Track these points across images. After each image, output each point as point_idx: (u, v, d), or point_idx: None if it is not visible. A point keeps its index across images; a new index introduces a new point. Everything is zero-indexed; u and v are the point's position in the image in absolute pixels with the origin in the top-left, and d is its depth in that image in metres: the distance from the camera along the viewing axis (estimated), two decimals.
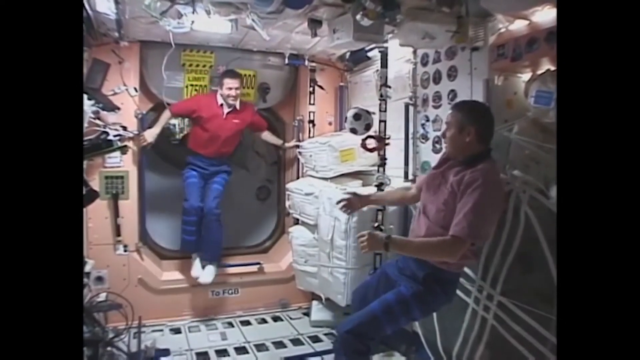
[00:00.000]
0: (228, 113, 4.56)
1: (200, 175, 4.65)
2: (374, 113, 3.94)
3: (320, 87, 4.95)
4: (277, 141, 5.12)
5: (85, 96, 3.60)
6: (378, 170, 3.93)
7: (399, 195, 3.24)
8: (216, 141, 4.60)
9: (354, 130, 3.90)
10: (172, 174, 5.18)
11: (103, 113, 4.02)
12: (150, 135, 4.40)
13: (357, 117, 3.86)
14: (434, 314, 3.26)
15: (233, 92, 4.47)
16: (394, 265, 2.86)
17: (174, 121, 4.44)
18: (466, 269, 3.03)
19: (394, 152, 3.91)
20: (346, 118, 3.96)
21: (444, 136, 2.74)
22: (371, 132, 3.88)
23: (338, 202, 3.16)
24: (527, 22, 2.84)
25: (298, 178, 5.04)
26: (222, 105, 4.55)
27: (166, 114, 4.52)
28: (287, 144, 5.12)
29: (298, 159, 5.02)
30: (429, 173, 2.86)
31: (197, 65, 4.65)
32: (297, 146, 5.00)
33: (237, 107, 4.59)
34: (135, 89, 4.32)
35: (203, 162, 4.64)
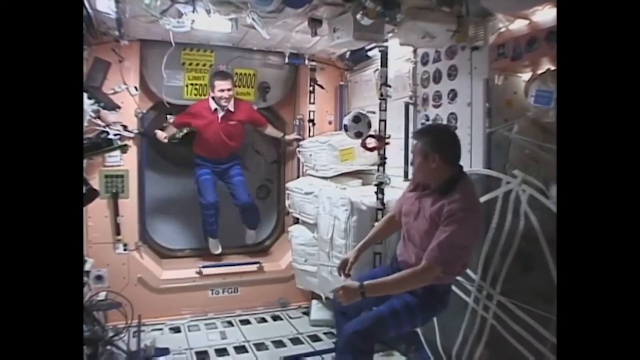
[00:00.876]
0: (223, 117, 4.60)
1: (212, 172, 4.78)
2: (373, 112, 3.94)
3: (320, 86, 4.95)
4: (277, 134, 5.13)
5: (85, 95, 3.61)
6: (378, 170, 3.93)
7: (385, 227, 3.04)
8: (218, 145, 4.68)
9: (359, 134, 3.83)
10: (172, 173, 5.19)
11: (103, 112, 4.02)
12: (162, 136, 4.59)
13: (356, 119, 3.83)
14: None
15: (225, 94, 4.49)
16: (388, 271, 2.80)
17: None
18: (466, 269, 3.04)
19: (394, 151, 3.91)
20: (346, 126, 3.86)
21: (412, 164, 2.71)
22: (371, 132, 3.88)
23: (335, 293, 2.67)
24: (527, 21, 2.84)
25: (298, 177, 5.04)
26: (215, 110, 4.57)
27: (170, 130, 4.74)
28: (287, 137, 5.12)
29: (298, 158, 5.01)
30: (405, 196, 2.82)
31: (197, 64, 4.65)
32: (298, 139, 5.04)
33: (231, 108, 4.60)
34: (135, 87, 4.32)
35: (212, 162, 4.77)
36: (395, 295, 2.63)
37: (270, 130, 5.07)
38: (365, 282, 2.47)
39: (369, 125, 3.86)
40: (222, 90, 4.47)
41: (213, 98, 4.54)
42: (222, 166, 4.80)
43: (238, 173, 4.89)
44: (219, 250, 4.99)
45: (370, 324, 2.60)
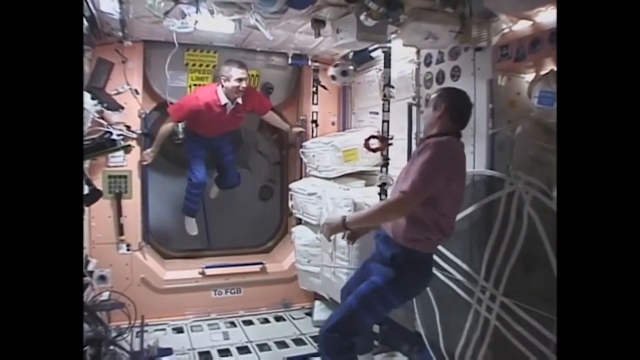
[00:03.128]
0: (234, 108, 4.46)
1: (203, 145, 4.70)
2: (376, 113, 3.94)
3: (324, 87, 4.95)
4: (284, 126, 5.07)
5: (89, 95, 3.62)
6: (381, 170, 3.93)
7: None
8: (218, 129, 4.64)
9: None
10: (175, 174, 5.20)
11: (107, 112, 4.03)
12: (149, 156, 4.45)
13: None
14: (437, 315, 3.26)
15: (244, 84, 4.31)
16: (373, 257, 2.89)
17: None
18: (468, 269, 3.04)
19: (397, 152, 3.91)
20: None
21: (423, 113, 2.94)
22: (374, 133, 3.88)
23: (342, 237, 2.96)
24: (530, 22, 2.83)
25: (301, 178, 5.04)
26: (225, 105, 4.38)
27: (163, 129, 4.44)
28: (294, 129, 5.04)
29: (301, 159, 5.01)
30: None
31: (201, 65, 4.65)
32: (303, 132, 5.02)
33: (240, 101, 4.45)
34: (136, 90, 4.32)
35: (206, 138, 4.68)
36: (365, 281, 2.70)
37: (275, 120, 4.98)
38: (347, 216, 2.61)
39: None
40: (240, 80, 4.28)
41: (223, 88, 4.34)
42: (215, 143, 4.74)
43: (229, 152, 4.88)
44: (195, 232, 4.91)
45: (341, 317, 2.65)
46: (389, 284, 2.63)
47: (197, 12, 3.06)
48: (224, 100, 4.38)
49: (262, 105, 4.75)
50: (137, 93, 4.33)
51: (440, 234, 2.65)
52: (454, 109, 2.68)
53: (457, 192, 2.63)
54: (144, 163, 4.45)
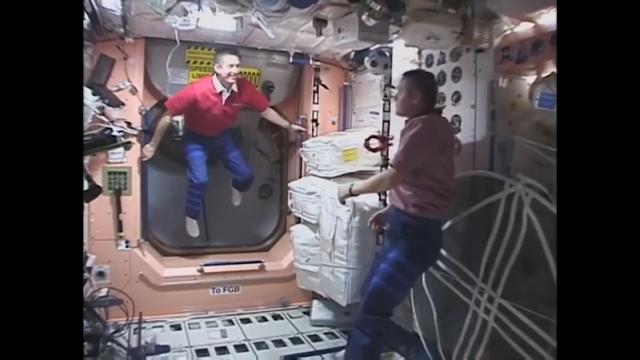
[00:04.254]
0: (227, 98, 4.45)
1: (204, 148, 4.63)
2: (377, 113, 3.94)
3: (325, 86, 4.95)
4: (283, 122, 5.00)
5: (90, 91, 3.62)
6: (381, 170, 3.93)
7: None
8: (216, 124, 4.60)
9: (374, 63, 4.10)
10: (174, 171, 5.20)
11: (107, 109, 4.03)
12: (148, 151, 4.44)
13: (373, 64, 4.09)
14: (434, 316, 3.26)
15: (235, 70, 4.30)
16: (384, 248, 3.19)
17: (176, 118, 4.41)
18: (466, 271, 3.04)
19: None
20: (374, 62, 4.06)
21: (395, 98, 3.18)
22: (374, 132, 3.88)
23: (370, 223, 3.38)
24: (532, 24, 2.84)
25: (300, 177, 5.04)
26: (220, 92, 4.39)
27: (162, 123, 4.44)
28: (293, 126, 5.00)
29: (301, 158, 5.01)
30: None
31: (202, 63, 4.65)
32: (302, 131, 5.00)
33: (235, 89, 4.46)
34: (135, 88, 4.31)
35: (205, 138, 4.63)
36: (383, 259, 2.98)
37: (275, 117, 4.94)
38: (353, 183, 3.07)
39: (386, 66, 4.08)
40: (232, 66, 4.27)
41: (218, 77, 4.35)
42: (215, 142, 4.70)
43: (232, 148, 4.84)
44: (197, 233, 4.88)
45: (372, 297, 2.92)
46: (406, 256, 2.87)
47: (199, 10, 3.06)
48: (219, 87, 4.38)
49: (259, 99, 4.74)
50: (136, 91, 4.32)
51: (440, 199, 2.85)
52: (429, 93, 2.96)
53: (446, 162, 2.88)
54: (144, 159, 4.45)
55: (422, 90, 2.92)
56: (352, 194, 3.05)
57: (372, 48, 3.96)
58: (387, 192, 3.21)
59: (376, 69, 4.06)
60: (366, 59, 4.10)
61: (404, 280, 2.93)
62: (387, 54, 4.06)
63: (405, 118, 3.03)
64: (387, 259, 2.93)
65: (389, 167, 2.90)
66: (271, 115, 4.91)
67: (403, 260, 2.87)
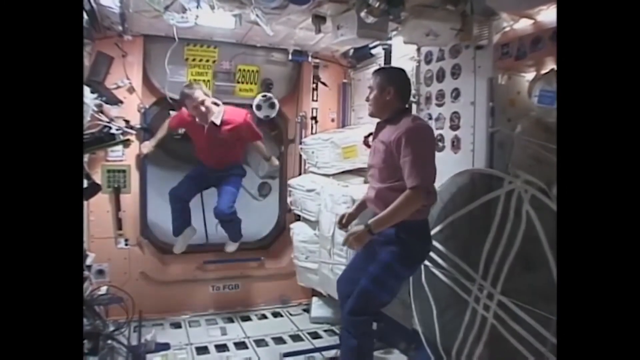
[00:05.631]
0: (209, 129, 4.26)
1: (204, 174, 4.51)
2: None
3: (324, 83, 4.95)
4: (264, 154, 4.74)
5: (88, 89, 3.61)
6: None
7: None
8: (212, 156, 4.44)
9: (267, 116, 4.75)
10: (174, 168, 5.18)
11: (106, 106, 4.02)
12: (146, 147, 4.42)
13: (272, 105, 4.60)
14: (434, 313, 3.27)
15: (201, 109, 4.13)
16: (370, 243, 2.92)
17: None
18: (466, 267, 3.04)
19: None
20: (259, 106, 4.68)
21: (367, 99, 2.97)
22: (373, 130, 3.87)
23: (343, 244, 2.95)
24: (532, 21, 2.83)
25: (300, 174, 5.04)
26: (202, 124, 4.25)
27: (164, 126, 4.47)
28: (272, 160, 4.78)
29: (300, 155, 5.01)
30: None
31: (201, 60, 4.64)
32: (277, 165, 4.85)
33: (217, 121, 4.23)
34: (132, 87, 4.31)
35: (207, 169, 4.53)
36: (370, 261, 2.85)
37: (259, 148, 4.70)
38: (369, 221, 2.71)
39: (272, 105, 4.72)
40: (196, 107, 4.12)
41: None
42: (216, 173, 4.50)
43: (231, 182, 4.51)
44: (180, 250, 4.61)
45: (359, 299, 2.81)
46: (397, 259, 2.77)
47: (197, 7, 3.05)
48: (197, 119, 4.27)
49: (251, 133, 4.49)
50: (134, 90, 4.31)
51: (431, 197, 2.80)
52: (402, 90, 2.87)
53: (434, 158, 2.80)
54: (142, 156, 4.43)
55: (394, 86, 2.83)
56: (372, 232, 2.68)
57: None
58: (367, 195, 3.00)
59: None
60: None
61: (393, 283, 2.85)
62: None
63: (377, 120, 2.95)
64: (377, 261, 2.82)
65: (410, 190, 2.61)
66: (257, 145, 4.68)
67: (394, 263, 2.77)
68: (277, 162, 4.87)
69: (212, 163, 4.49)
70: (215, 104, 4.28)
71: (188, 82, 4.35)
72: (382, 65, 4.07)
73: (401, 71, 2.97)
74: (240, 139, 4.47)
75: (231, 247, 4.80)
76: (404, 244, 2.76)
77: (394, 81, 2.85)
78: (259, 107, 4.83)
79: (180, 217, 4.54)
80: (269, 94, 4.84)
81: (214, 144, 4.33)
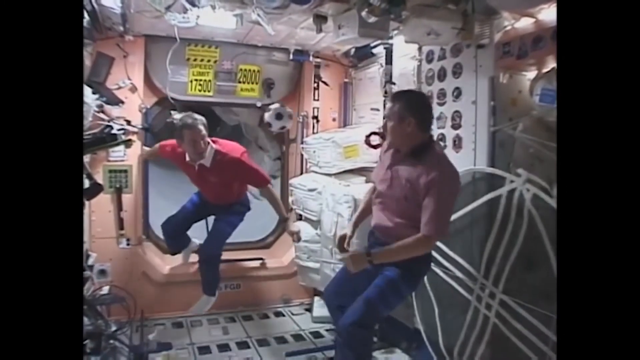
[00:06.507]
0: (200, 169, 3.87)
1: (202, 204, 4.24)
2: (377, 110, 3.92)
3: (325, 83, 4.95)
4: (280, 211, 4.08)
5: (89, 90, 3.61)
6: None
7: (370, 200, 3.01)
8: (206, 192, 4.19)
9: (283, 128, 4.78)
10: (175, 168, 5.18)
11: (107, 107, 4.03)
12: (146, 154, 4.45)
13: (279, 116, 4.56)
14: (436, 312, 3.27)
15: (201, 144, 3.67)
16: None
17: (178, 116, 4.38)
18: (468, 267, 3.04)
19: None
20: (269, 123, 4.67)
21: (385, 128, 2.78)
22: (375, 129, 3.87)
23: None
24: (533, 20, 2.83)
25: (301, 174, 5.03)
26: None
27: (155, 148, 4.36)
28: (292, 226, 4.17)
29: (302, 155, 5.01)
30: (378, 165, 2.97)
31: (202, 60, 4.64)
32: (296, 237, 4.09)
33: (206, 164, 3.79)
34: (135, 87, 4.31)
35: (206, 201, 4.24)
36: (373, 275, 2.73)
37: (272, 198, 4.02)
38: (372, 251, 2.64)
39: (290, 116, 4.68)
40: (195, 142, 3.64)
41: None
42: (215, 209, 4.22)
43: (230, 219, 4.19)
44: (185, 263, 4.51)
45: (364, 311, 2.67)
46: (403, 278, 2.70)
47: (198, 7, 3.06)
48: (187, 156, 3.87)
49: (258, 180, 3.99)
50: (136, 89, 4.31)
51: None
52: (424, 119, 2.63)
53: (459, 190, 2.71)
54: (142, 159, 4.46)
55: (415, 116, 2.57)
56: (370, 261, 2.60)
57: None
58: (379, 222, 2.82)
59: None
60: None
61: (394, 300, 2.78)
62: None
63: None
64: (382, 275, 2.73)
65: (424, 237, 2.52)
66: (271, 195, 4.02)
67: (398, 281, 2.70)
68: (297, 229, 4.15)
69: (210, 198, 4.18)
70: (209, 142, 3.81)
71: (187, 114, 3.77)
72: (384, 64, 4.07)
73: (421, 97, 2.82)
74: (238, 180, 4.05)
75: (203, 305, 4.28)
76: (408, 267, 2.69)
77: (414, 110, 2.59)
78: (279, 117, 4.76)
79: (176, 244, 4.41)
80: (283, 105, 4.77)
81: (208, 185, 4.04)
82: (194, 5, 3.04)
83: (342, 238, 3.03)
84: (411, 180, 2.58)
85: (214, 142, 3.85)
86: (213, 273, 4.25)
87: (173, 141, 3.92)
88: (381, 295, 2.69)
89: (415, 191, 2.57)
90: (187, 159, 3.85)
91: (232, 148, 3.91)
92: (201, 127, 3.66)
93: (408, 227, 2.61)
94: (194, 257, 4.62)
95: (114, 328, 3.57)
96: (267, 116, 4.77)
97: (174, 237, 4.35)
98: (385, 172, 2.77)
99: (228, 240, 4.52)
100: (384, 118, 3.94)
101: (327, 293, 3.17)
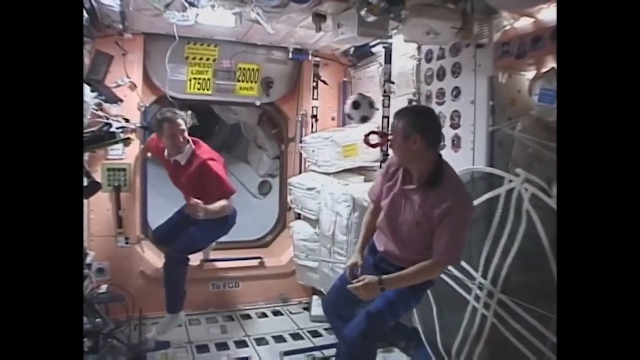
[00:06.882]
0: (174, 165, 3.85)
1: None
2: (377, 109, 3.92)
3: (324, 82, 4.95)
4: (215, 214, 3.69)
5: (88, 88, 3.61)
6: (380, 166, 3.93)
7: (373, 220, 2.92)
8: (181, 191, 4.06)
9: (364, 118, 4.39)
10: None
11: (106, 105, 4.02)
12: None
13: (356, 105, 4.23)
14: (434, 311, 3.27)
15: (179, 138, 3.66)
16: (369, 265, 2.84)
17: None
18: (467, 267, 3.04)
19: None
20: (349, 115, 4.31)
21: (391, 146, 2.65)
22: (374, 128, 3.87)
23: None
24: (532, 19, 2.83)
25: (300, 173, 5.03)
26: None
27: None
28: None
29: (300, 154, 5.01)
30: (382, 185, 2.77)
31: (201, 59, 4.64)
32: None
33: (182, 161, 3.78)
34: (134, 85, 4.30)
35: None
36: None
37: (217, 208, 3.67)
38: (384, 277, 2.51)
39: (371, 105, 4.24)
40: (174, 135, 3.63)
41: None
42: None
43: (204, 229, 3.89)
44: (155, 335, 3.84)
45: (372, 322, 2.63)
46: (410, 293, 2.68)
47: (197, 6, 3.05)
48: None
49: (219, 188, 3.76)
50: (134, 87, 4.31)
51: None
52: (431, 136, 2.48)
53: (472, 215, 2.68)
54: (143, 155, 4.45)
55: (420, 133, 2.42)
56: (383, 288, 2.50)
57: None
58: (389, 249, 2.74)
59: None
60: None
61: (401, 312, 2.77)
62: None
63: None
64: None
65: (434, 263, 2.48)
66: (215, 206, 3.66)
67: (407, 295, 2.67)
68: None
69: (186, 199, 3.82)
70: (188, 141, 3.77)
71: (169, 109, 3.83)
72: (383, 63, 4.06)
73: (427, 112, 2.67)
74: (205, 185, 3.76)
75: (165, 326, 3.84)
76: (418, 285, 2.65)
77: (419, 127, 2.44)
78: (356, 105, 4.43)
79: (169, 234, 4.15)
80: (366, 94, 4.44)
81: (180, 184, 3.97)
82: (193, 5, 3.04)
83: (354, 267, 2.83)
84: (424, 207, 2.49)
85: (194, 142, 3.84)
86: (175, 284, 3.84)
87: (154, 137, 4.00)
88: (391, 307, 2.66)
89: (428, 218, 2.48)
90: (165, 153, 3.86)
91: (208, 153, 3.86)
92: (180, 122, 3.66)
93: (418, 253, 2.56)
94: (194, 257, 4.62)
95: (112, 326, 3.56)
96: (346, 108, 4.54)
97: (166, 244, 4.23)
98: (395, 194, 2.66)
99: (227, 239, 4.50)
100: (383, 118, 4.00)
101: (326, 302, 3.15)
